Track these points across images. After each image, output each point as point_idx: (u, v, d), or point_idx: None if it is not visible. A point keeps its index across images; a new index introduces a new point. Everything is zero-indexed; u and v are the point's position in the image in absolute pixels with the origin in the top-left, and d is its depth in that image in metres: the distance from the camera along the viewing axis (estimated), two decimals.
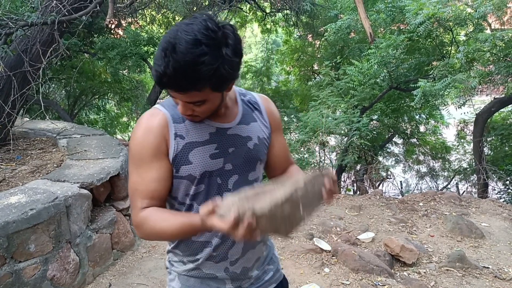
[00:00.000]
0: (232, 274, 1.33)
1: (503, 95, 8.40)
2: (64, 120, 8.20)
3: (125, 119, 16.40)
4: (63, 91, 12.76)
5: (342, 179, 9.82)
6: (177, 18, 12.18)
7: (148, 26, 12.72)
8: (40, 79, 3.47)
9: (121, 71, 11.69)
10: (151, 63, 11.31)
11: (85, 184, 3.19)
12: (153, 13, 12.30)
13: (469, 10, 7.58)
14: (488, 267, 3.59)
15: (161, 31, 12.92)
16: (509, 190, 9.08)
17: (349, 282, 3.22)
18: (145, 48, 10.79)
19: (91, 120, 14.54)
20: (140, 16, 12.05)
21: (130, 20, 11.97)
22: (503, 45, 6.91)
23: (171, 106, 1.24)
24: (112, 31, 11.31)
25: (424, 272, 3.52)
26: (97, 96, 13.55)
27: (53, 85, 11.73)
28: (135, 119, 15.80)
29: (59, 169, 3.46)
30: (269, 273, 1.46)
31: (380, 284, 3.21)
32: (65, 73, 10.55)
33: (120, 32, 11.60)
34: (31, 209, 2.71)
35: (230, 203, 0.99)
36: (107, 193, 3.55)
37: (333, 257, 3.54)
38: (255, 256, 1.37)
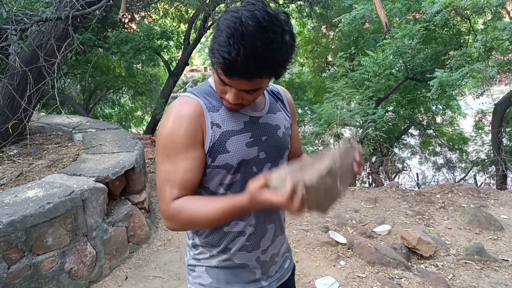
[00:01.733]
0: (262, 263, 1.34)
1: None
2: (80, 115, 8.29)
3: (139, 113, 16.54)
4: (78, 86, 12.89)
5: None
6: (189, 11, 12.18)
7: (161, 20, 12.74)
8: (55, 74, 3.48)
9: (135, 65, 11.74)
10: (165, 56, 11.35)
11: (101, 178, 3.21)
12: (166, 6, 12.31)
13: None
14: (507, 260, 3.52)
15: (174, 24, 12.94)
16: None
17: (365, 275, 3.19)
18: (159, 42, 10.81)
19: (106, 114, 14.69)
20: (153, 10, 12.07)
21: (143, 14, 12.01)
22: None
23: (203, 94, 1.22)
24: (125, 26, 11.37)
25: (442, 265, 3.47)
26: (111, 91, 13.67)
27: (69, 80, 11.86)
28: (149, 113, 15.89)
29: (75, 163, 3.49)
30: (287, 260, 1.49)
31: (397, 277, 3.18)
32: (80, 68, 10.65)
33: (134, 26, 11.65)
34: (48, 203, 2.74)
35: (282, 175, 0.96)
36: (123, 186, 3.57)
37: (348, 250, 3.51)
38: (280, 243, 1.39)
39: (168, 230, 3.99)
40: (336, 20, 10.78)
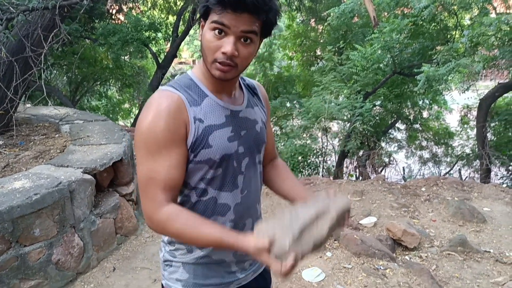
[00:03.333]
0: (238, 257, 1.34)
1: (507, 80, 8.35)
2: (66, 107, 8.22)
3: (126, 105, 16.39)
4: (65, 78, 12.72)
5: (345, 165, 9.82)
6: (178, 3, 12.11)
7: (149, 11, 12.64)
8: (42, 65, 3.45)
9: (123, 57, 11.63)
10: (153, 48, 11.28)
11: (88, 169, 3.20)
12: None
13: None
14: (489, 251, 3.60)
15: (162, 16, 12.84)
16: None
17: (351, 266, 3.24)
18: (147, 34, 10.73)
19: (92, 106, 14.53)
20: (141, 1, 11.97)
21: (131, 5, 11.91)
22: (508, 29, 6.84)
23: (183, 88, 1.19)
24: (113, 17, 11.25)
25: (426, 256, 3.54)
26: (98, 83, 13.52)
27: (55, 72, 11.71)
28: (137, 105, 15.78)
29: (62, 155, 3.48)
30: None
31: (382, 268, 3.23)
32: (66, 59, 10.50)
33: (121, 17, 11.54)
34: (35, 194, 2.73)
35: (285, 246, 1.01)
36: (110, 178, 3.57)
37: (335, 242, 3.56)
38: None
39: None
40: (325, 14, 10.80)
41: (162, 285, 1.39)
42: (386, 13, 8.89)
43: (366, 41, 8.51)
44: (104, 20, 10.65)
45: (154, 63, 12.32)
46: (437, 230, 3.97)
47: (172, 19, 12.62)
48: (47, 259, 2.85)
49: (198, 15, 10.59)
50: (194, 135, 1.16)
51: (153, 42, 11.23)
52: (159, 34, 11.11)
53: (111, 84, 14.09)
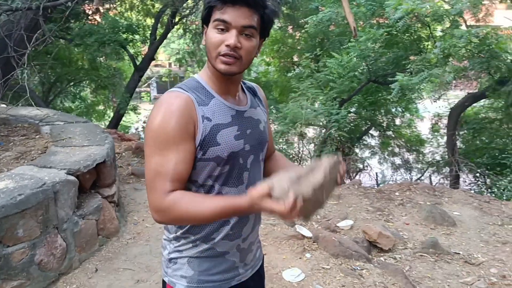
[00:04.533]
0: (241, 250, 1.40)
1: (476, 90, 8.71)
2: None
3: (101, 107, 16.18)
4: (37, 78, 12.46)
5: None
6: (156, 6, 12.08)
7: (127, 13, 12.55)
8: (26, 65, 3.45)
9: (99, 58, 11.51)
10: (131, 50, 11.21)
11: (72, 170, 3.21)
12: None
13: (446, 6, 7.80)
14: (459, 253, 3.78)
15: (140, 18, 12.76)
16: (479, 182, 9.44)
17: (329, 266, 3.35)
18: (124, 35, 10.66)
19: (66, 108, 14.29)
20: (119, 2, 11.89)
21: (108, 6, 11.81)
22: (478, 41, 7.14)
23: (191, 89, 1.26)
24: (89, 17, 11.13)
25: (400, 258, 3.69)
26: (72, 84, 13.31)
27: (26, 71, 11.47)
28: (112, 107, 15.61)
29: (45, 156, 3.47)
30: (259, 249, 1.56)
31: (359, 268, 3.36)
32: (39, 59, 10.29)
33: (98, 18, 11.42)
34: (19, 194, 2.73)
35: (284, 186, 1.06)
36: (93, 180, 3.58)
37: (314, 243, 3.66)
38: (257, 232, 1.47)
39: (137, 224, 4.02)
40: (303, 21, 10.99)
41: (164, 282, 1.43)
42: (362, 23, 9.13)
43: (342, 49, 8.70)
44: (80, 21, 10.50)
45: (131, 65, 12.23)
46: (410, 233, 4.13)
47: (149, 21, 12.57)
48: (30, 259, 2.85)
49: (177, 18, 10.62)
50: (203, 133, 1.23)
51: (131, 44, 11.17)
52: (137, 36, 11.04)
53: (86, 86, 13.91)
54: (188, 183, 1.28)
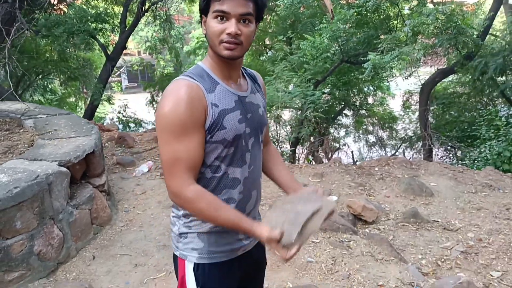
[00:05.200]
0: None
1: (445, 66, 8.99)
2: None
3: (72, 99, 15.87)
4: (1, 72, 12.10)
5: (298, 151, 10.16)
6: None
7: (94, 2, 12.28)
8: (7, 59, 3.42)
9: (69, 49, 11.24)
10: (101, 40, 11.01)
11: (63, 162, 3.25)
12: None
13: None
14: (437, 221, 4.01)
15: (106, 6, 12.49)
16: (451, 155, 9.83)
17: (318, 240, 3.51)
18: (93, 25, 10.45)
19: (36, 101, 13.96)
20: None
21: None
22: (445, 18, 7.36)
23: (198, 77, 1.35)
24: (54, 7, 10.84)
25: (383, 228, 3.89)
26: (40, 76, 13.00)
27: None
28: (84, 99, 15.34)
29: (33, 149, 3.48)
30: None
31: (346, 240, 3.53)
32: (1, 51, 9.99)
33: (64, 8, 11.14)
34: (15, 188, 2.76)
35: (292, 239, 1.25)
36: (83, 170, 3.61)
37: None
38: (258, 207, 1.60)
39: (128, 211, 4.09)
40: (272, 4, 11.01)
41: (175, 256, 1.53)
42: (332, 4, 9.20)
43: (315, 31, 8.80)
44: (45, 11, 10.20)
45: (101, 55, 12.02)
46: (391, 205, 4.34)
47: (117, 9, 12.34)
48: (29, 250, 2.89)
49: (147, 6, 10.48)
50: (211, 118, 1.33)
51: (100, 33, 10.96)
52: (107, 25, 10.84)
53: (55, 78, 13.59)
54: None
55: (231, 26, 1.29)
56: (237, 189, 1.44)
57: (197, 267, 1.46)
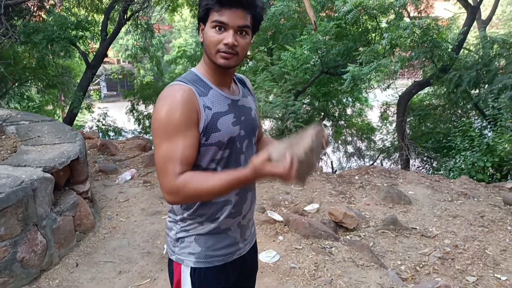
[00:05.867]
0: (242, 227, 1.56)
1: (421, 78, 9.25)
2: None
3: (50, 107, 15.63)
4: None
5: None
6: (104, 1, 11.83)
7: (75, 9, 12.19)
8: None
9: (48, 56, 11.11)
10: (82, 47, 10.94)
11: (48, 168, 3.24)
12: None
13: None
14: (416, 228, 4.13)
15: (87, 14, 12.41)
16: (427, 165, 10.07)
17: (301, 246, 3.58)
18: (74, 32, 10.38)
19: (12, 109, 13.68)
20: None
21: (53, 2, 11.43)
22: (421, 32, 7.61)
23: (191, 82, 1.40)
24: (33, 14, 10.74)
25: (364, 235, 3.98)
26: (17, 84, 12.78)
27: None
28: (62, 107, 15.14)
29: (17, 155, 3.46)
30: (253, 226, 1.71)
31: (328, 246, 3.61)
32: None
33: (43, 15, 11.04)
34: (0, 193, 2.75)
35: (281, 151, 1.23)
36: (67, 177, 3.60)
37: (285, 226, 3.88)
38: (253, 209, 1.63)
39: (111, 218, 4.08)
40: None
41: (170, 261, 1.56)
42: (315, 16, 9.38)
43: (295, 42, 8.95)
44: (23, 18, 10.09)
45: (81, 62, 11.92)
46: (371, 213, 4.45)
47: (98, 17, 12.29)
48: (12, 257, 2.87)
49: (128, 14, 10.48)
50: (205, 121, 1.37)
51: (81, 41, 10.89)
52: (87, 33, 10.78)
53: (33, 85, 13.38)
54: (193, 167, 1.41)
55: (228, 37, 1.34)
56: (233, 191, 1.48)
57: (193, 271, 1.49)
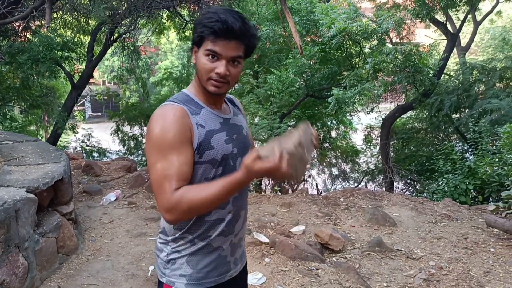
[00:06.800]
0: (233, 245, 1.55)
1: (404, 102, 9.44)
2: None
3: (33, 127, 15.46)
4: None
5: (264, 182, 10.25)
6: (91, 23, 11.87)
7: (61, 30, 12.20)
8: None
9: (33, 77, 11.05)
10: (67, 68, 10.93)
11: (31, 188, 3.19)
12: (67, 16, 11.83)
13: (373, 25, 8.46)
14: (401, 250, 4.15)
15: (73, 35, 12.42)
16: (410, 188, 10.18)
17: (287, 268, 3.56)
18: (60, 53, 10.38)
19: None
20: (53, 20, 11.54)
21: (39, 22, 11.43)
22: (403, 57, 7.82)
23: (183, 102, 1.42)
24: (19, 34, 10.72)
25: (350, 257, 3.98)
26: (0, 104, 12.64)
27: None
28: (48, 128, 14.99)
29: None
30: (243, 246, 1.69)
31: (315, 268, 3.60)
32: None
33: (29, 35, 11.02)
34: None
35: (270, 146, 1.24)
36: (51, 197, 3.55)
37: (271, 248, 3.87)
38: (245, 228, 1.63)
39: (95, 240, 4.01)
40: None
41: (160, 283, 1.54)
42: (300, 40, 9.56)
43: (281, 66, 9.09)
44: (8, 38, 10.08)
45: (66, 83, 11.87)
46: (357, 234, 4.46)
47: (85, 39, 12.32)
48: None
49: (115, 35, 10.52)
50: (199, 138, 1.38)
51: (66, 62, 10.88)
52: (73, 54, 10.79)
53: (17, 106, 13.25)
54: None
55: (221, 66, 1.37)
56: (226, 209, 1.48)
57: None
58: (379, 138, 10.26)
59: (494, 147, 6.42)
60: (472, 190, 6.21)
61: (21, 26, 10.61)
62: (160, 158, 1.34)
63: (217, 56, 1.37)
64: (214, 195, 1.30)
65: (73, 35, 12.26)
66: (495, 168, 5.85)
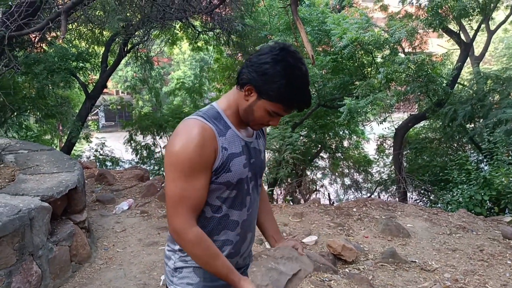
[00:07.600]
0: (237, 265, 1.55)
1: (417, 112, 9.36)
2: None
3: (48, 136, 15.67)
4: None
5: (276, 192, 10.23)
6: (105, 34, 12.05)
7: (75, 41, 12.41)
8: None
9: (48, 87, 11.23)
10: (82, 78, 11.09)
11: (46, 197, 3.22)
12: (81, 28, 12.03)
13: (385, 35, 8.44)
14: (415, 261, 4.09)
15: (87, 46, 12.61)
16: (424, 198, 10.05)
17: None
18: (74, 64, 10.55)
19: (10, 138, 13.68)
20: (68, 31, 11.73)
21: (55, 34, 11.63)
22: (416, 67, 7.77)
23: (212, 119, 1.39)
24: (35, 45, 10.92)
25: (363, 268, 3.94)
26: (16, 113, 12.86)
27: None
28: (62, 137, 15.18)
29: (15, 184, 3.45)
30: (249, 258, 1.70)
31: (327, 279, 3.56)
32: None
33: (44, 46, 11.22)
34: None
35: None
36: (64, 206, 3.58)
37: None
38: (251, 247, 1.64)
39: (108, 249, 4.03)
40: (251, 48, 11.39)
41: None
42: (312, 50, 9.57)
43: None
44: (25, 49, 10.28)
45: (80, 92, 12.04)
46: (370, 245, 4.42)
47: (99, 49, 12.51)
48: (7, 287, 2.82)
49: (129, 46, 10.64)
50: (220, 161, 1.38)
51: (81, 72, 11.05)
52: (88, 64, 10.96)
53: (32, 115, 13.47)
54: None
55: (276, 122, 1.43)
56: (235, 232, 1.49)
57: None
58: (392, 148, 10.17)
59: (510, 158, 6.32)
60: (487, 201, 6.10)
61: (37, 38, 10.84)
62: (181, 178, 1.35)
63: (278, 115, 1.42)
64: (212, 268, 1.40)
65: (87, 46, 12.46)
66: (511, 179, 5.75)
